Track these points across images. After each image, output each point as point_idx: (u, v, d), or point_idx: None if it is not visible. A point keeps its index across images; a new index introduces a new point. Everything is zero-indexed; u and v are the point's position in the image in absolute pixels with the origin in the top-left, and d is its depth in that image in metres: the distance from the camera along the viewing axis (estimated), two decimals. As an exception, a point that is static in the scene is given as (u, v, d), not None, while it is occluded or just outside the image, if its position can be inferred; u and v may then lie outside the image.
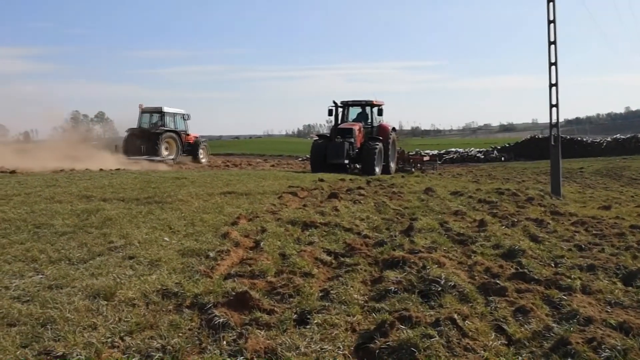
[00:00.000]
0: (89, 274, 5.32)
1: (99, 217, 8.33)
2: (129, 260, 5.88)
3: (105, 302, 4.49)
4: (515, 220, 9.33)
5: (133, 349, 3.69)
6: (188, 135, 31.59)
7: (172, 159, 29.02)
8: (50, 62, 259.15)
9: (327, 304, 4.65)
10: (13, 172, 19.21)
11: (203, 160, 32.18)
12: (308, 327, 4.14)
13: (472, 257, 6.58)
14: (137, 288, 4.82)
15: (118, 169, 20.67)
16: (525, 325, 4.25)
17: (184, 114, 31.51)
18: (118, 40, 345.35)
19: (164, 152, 29.01)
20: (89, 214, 8.65)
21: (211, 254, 6.15)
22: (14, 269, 5.53)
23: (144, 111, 30.66)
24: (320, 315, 4.35)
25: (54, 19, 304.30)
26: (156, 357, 3.58)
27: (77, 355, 3.51)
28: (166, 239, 6.97)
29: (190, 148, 31.46)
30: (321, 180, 15.74)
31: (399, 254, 6.28)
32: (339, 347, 3.81)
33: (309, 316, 4.34)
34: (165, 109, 30.33)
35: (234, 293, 4.66)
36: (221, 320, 4.14)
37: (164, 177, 15.26)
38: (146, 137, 28.79)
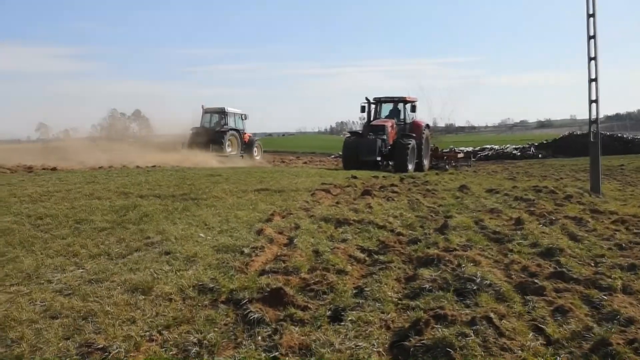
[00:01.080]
0: (127, 269, 5.44)
1: (137, 213, 8.51)
2: (165, 255, 6.00)
3: (143, 297, 4.59)
4: (554, 218, 9.13)
5: (170, 342, 3.77)
6: (245, 133, 32.83)
7: (241, 155, 30.97)
8: (91, 60, 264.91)
9: (361, 301, 4.64)
10: (54, 169, 19.74)
11: (257, 158, 33.22)
12: (342, 324, 4.14)
13: (509, 255, 6.46)
14: (174, 283, 4.91)
15: (154, 166, 21.02)
16: (564, 326, 4.16)
17: (242, 114, 32.85)
18: (158, 38, 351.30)
19: (228, 150, 30.32)
20: (126, 210, 8.84)
21: (246, 250, 6.21)
22: (56, 263, 5.70)
23: (206, 111, 32.07)
24: (354, 312, 4.35)
25: (95, 18, 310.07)
26: (193, 351, 3.64)
27: (117, 347, 3.59)
28: (201, 235, 7.07)
29: (245, 146, 32.59)
30: (354, 177, 15.70)
31: (434, 252, 6.22)
32: (373, 345, 3.80)
33: (342, 313, 4.34)
34: (228, 109, 31.72)
35: (268, 289, 4.69)
36: (256, 316, 4.18)
37: (198, 174, 15.45)
38: (211, 135, 30.08)
